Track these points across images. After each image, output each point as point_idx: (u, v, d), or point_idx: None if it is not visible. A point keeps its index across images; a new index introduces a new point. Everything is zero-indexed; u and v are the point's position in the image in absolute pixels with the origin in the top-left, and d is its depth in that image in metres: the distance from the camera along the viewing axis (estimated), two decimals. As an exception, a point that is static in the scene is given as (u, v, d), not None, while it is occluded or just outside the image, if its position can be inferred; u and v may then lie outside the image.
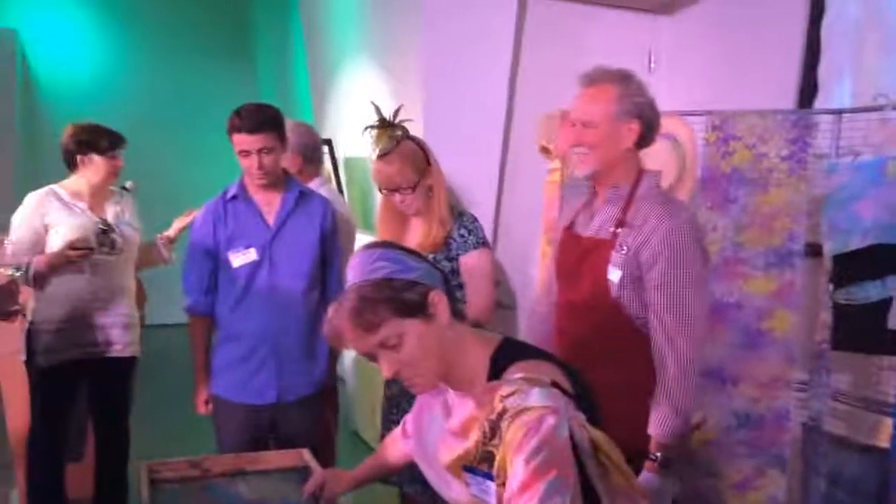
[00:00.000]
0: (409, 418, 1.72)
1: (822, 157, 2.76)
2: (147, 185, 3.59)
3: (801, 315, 2.66)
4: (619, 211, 2.01)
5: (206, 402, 2.72)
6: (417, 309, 1.37)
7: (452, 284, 2.54)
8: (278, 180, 2.65)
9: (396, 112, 2.63)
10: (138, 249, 3.19)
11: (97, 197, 3.06)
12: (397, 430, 1.83)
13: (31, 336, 2.95)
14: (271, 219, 2.62)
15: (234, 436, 2.61)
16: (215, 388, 2.67)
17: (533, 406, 1.26)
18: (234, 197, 2.65)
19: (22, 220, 2.92)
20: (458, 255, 2.57)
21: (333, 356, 2.81)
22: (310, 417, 2.67)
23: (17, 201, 2.99)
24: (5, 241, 2.90)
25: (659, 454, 1.93)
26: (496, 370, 1.39)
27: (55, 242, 2.90)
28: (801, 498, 2.66)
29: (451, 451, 1.42)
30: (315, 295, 2.66)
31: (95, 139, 3.01)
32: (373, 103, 2.66)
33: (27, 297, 3.03)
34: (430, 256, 2.52)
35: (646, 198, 2.01)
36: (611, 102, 1.98)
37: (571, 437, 1.27)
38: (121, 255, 3.04)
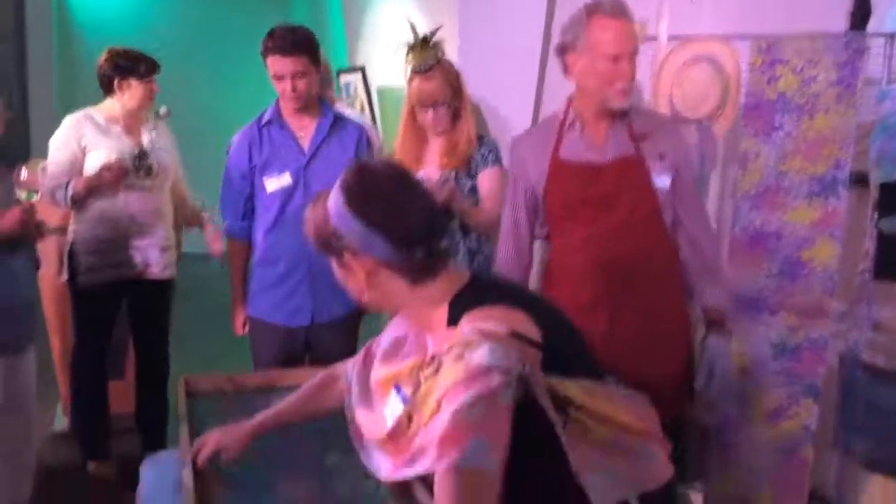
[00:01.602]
0: (379, 341, 1.59)
1: (873, 82, 2.66)
2: (180, 112, 3.59)
3: (843, 245, 2.60)
4: (628, 128, 2.14)
5: (244, 324, 2.77)
6: (333, 252, 1.36)
7: (472, 200, 2.63)
8: (312, 105, 2.64)
9: (434, 32, 2.71)
10: (185, 209, 3.26)
11: (132, 121, 3.07)
12: (338, 368, 1.70)
13: (71, 256, 3.02)
14: (306, 144, 2.62)
15: (269, 356, 2.66)
16: (251, 310, 2.71)
17: (479, 363, 1.13)
18: (268, 122, 2.64)
19: (59, 143, 2.95)
20: (477, 172, 2.66)
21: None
22: (343, 339, 2.70)
23: (57, 127, 3.02)
24: (42, 165, 2.94)
25: (726, 319, 2.24)
26: (453, 318, 1.29)
27: (92, 165, 2.93)
28: (834, 428, 2.65)
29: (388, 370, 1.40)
30: (349, 219, 2.67)
31: (134, 63, 3.02)
32: (410, 22, 2.66)
33: (67, 218, 3.09)
34: (453, 173, 2.64)
35: (634, 111, 2.17)
36: (636, 32, 2.12)
37: (532, 401, 1.15)
38: (157, 179, 3.06)
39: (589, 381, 1.24)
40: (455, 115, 2.66)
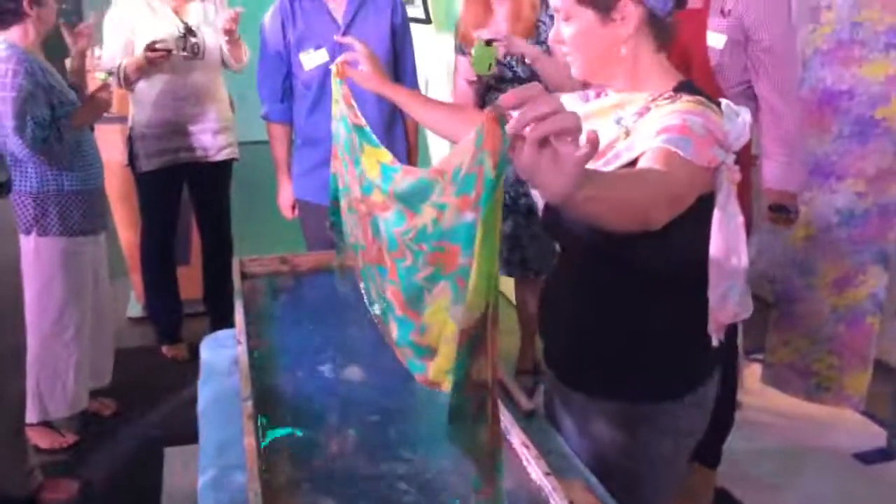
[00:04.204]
0: None
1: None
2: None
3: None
4: None
5: (292, 207, 2.78)
6: (600, 5, 1.27)
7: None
8: (342, -27, 2.52)
9: None
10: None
11: (182, 0, 3.04)
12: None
13: (131, 142, 3.08)
14: (339, 16, 2.53)
15: (319, 237, 2.66)
16: (298, 192, 2.71)
17: (716, 115, 1.20)
18: (299, -5, 2.55)
19: (112, 25, 2.99)
20: (546, 38, 2.48)
21: (412, 158, 2.79)
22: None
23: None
24: (97, 49, 2.97)
25: (790, 206, 2.10)
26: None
27: (141, 46, 2.92)
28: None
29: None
30: (390, 92, 2.60)
31: None
32: None
33: (127, 106, 3.13)
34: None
35: None
36: None
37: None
38: (203, 59, 3.04)
39: None
40: None
